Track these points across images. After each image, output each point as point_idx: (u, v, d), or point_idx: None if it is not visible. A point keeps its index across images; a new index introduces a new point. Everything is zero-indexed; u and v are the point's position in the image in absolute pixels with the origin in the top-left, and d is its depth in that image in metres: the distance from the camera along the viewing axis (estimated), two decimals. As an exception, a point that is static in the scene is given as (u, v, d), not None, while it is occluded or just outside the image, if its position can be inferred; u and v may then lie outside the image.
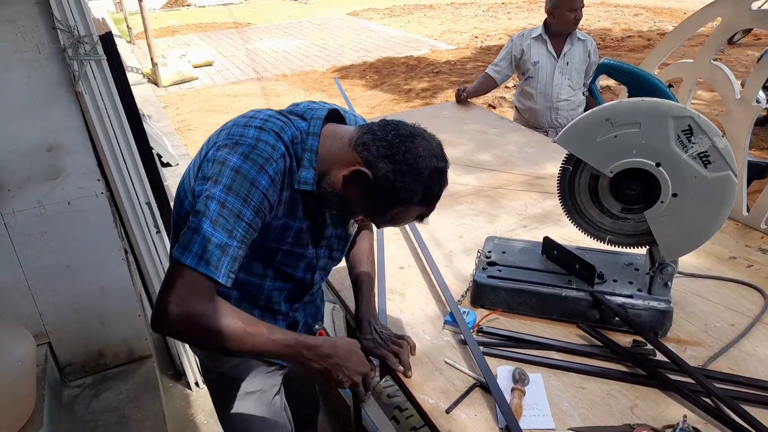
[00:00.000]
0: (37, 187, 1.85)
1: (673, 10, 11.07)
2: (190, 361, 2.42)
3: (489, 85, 3.27)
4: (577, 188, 1.37)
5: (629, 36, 9.09)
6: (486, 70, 3.25)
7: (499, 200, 2.10)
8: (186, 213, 1.09)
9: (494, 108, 6.04)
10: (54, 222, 1.91)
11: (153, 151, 4.44)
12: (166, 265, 2.20)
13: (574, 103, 3.07)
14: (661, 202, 1.26)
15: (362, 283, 1.40)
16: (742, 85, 1.94)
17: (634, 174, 1.27)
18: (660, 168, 1.23)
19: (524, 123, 3.15)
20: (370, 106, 6.50)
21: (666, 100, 1.20)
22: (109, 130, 1.90)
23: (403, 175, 1.04)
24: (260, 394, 1.38)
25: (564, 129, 1.28)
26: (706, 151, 1.19)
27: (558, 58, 3.00)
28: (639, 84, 1.26)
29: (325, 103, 1.21)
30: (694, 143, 1.18)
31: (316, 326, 1.28)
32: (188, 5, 15.99)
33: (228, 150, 1.02)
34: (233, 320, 1.01)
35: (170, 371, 2.55)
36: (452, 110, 3.14)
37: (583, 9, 2.96)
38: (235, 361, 1.34)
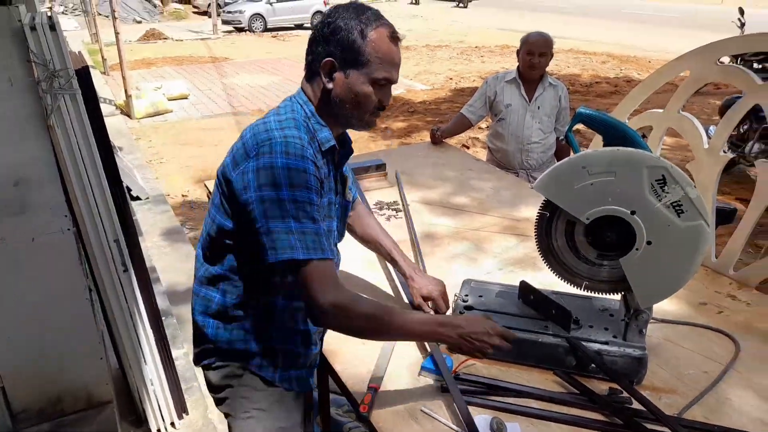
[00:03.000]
0: (1, 222, 1.78)
1: (638, 59, 11.56)
2: (152, 407, 2.32)
3: (464, 125, 3.33)
4: (554, 234, 1.38)
5: (597, 82, 9.43)
6: (461, 111, 3.32)
7: (476, 243, 2.10)
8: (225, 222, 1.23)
9: (468, 148, 6.14)
10: (17, 259, 1.83)
11: (123, 184, 4.37)
12: (133, 304, 2.13)
13: (545, 146, 3.15)
14: (636, 249, 1.28)
15: (395, 250, 1.61)
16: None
17: (610, 221, 1.29)
18: (635, 216, 1.25)
19: (496, 163, 3.21)
20: (346, 143, 6.54)
21: (640, 150, 1.23)
22: (80, 165, 1.85)
23: (338, 29, 1.19)
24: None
25: (541, 176, 1.30)
26: (679, 201, 1.21)
27: (530, 101, 3.08)
28: (614, 133, 1.29)
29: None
30: (667, 193, 1.21)
31: None
32: (165, 38, 16.04)
33: (268, 156, 1.12)
34: (371, 306, 1.20)
35: (131, 417, 2.43)
36: (428, 151, 3.17)
37: (553, 55, 3.07)
38: (248, 413, 1.36)
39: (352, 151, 1.42)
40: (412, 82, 9.84)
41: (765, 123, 4.64)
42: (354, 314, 1.15)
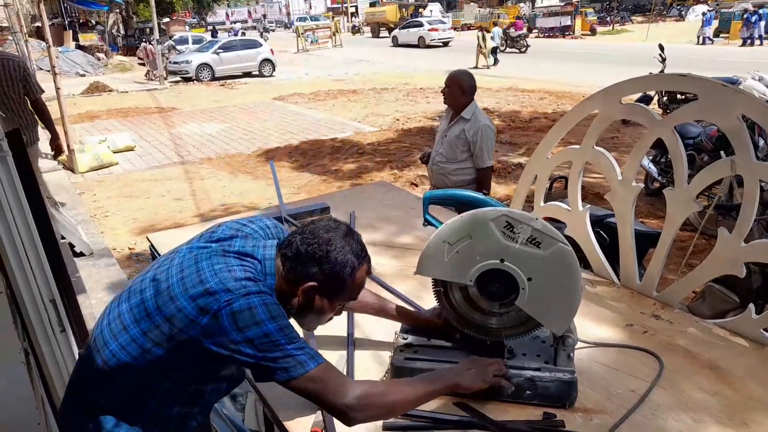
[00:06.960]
0: (-74, 289, 1.72)
1: (573, 94, 12.20)
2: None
3: None
4: (455, 302, 1.48)
5: (536, 117, 9.89)
6: None
7: (420, 281, 2.15)
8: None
9: (416, 186, 6.29)
10: (-57, 326, 1.76)
11: (65, 241, 4.24)
12: (71, 366, 2.06)
13: (445, 170, 3.47)
14: (523, 289, 1.38)
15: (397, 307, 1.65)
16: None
17: (492, 274, 1.39)
18: (505, 263, 1.36)
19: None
20: (297, 186, 6.59)
21: (481, 209, 1.37)
22: (12, 226, 1.83)
23: (333, 261, 1.26)
24: None
25: (418, 261, 1.43)
26: (532, 235, 1.33)
27: (448, 129, 3.44)
28: (462, 202, 1.45)
29: (261, 222, 1.41)
30: (518, 233, 1.33)
31: None
32: (110, 91, 15.87)
33: (242, 300, 1.18)
34: (384, 386, 1.34)
35: (75, 484, 2.31)
36: (372, 192, 3.25)
37: (463, 90, 3.34)
38: None
39: None
40: (361, 125, 10.05)
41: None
42: (376, 401, 1.24)
